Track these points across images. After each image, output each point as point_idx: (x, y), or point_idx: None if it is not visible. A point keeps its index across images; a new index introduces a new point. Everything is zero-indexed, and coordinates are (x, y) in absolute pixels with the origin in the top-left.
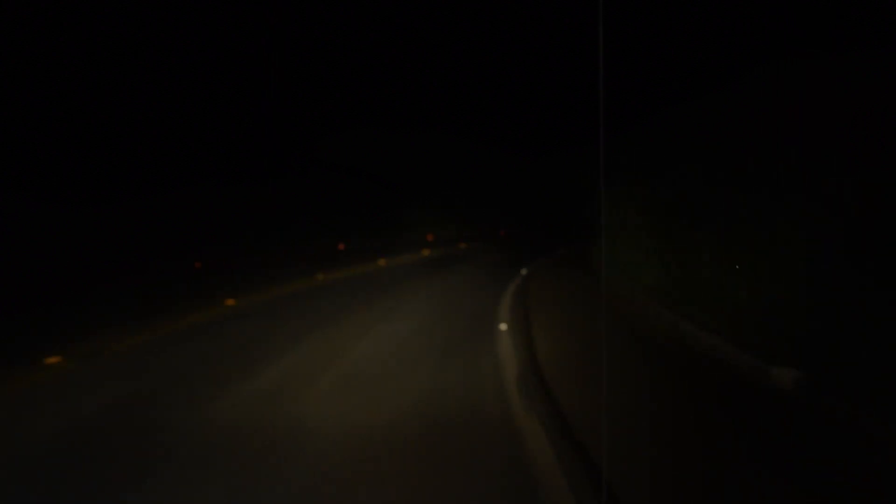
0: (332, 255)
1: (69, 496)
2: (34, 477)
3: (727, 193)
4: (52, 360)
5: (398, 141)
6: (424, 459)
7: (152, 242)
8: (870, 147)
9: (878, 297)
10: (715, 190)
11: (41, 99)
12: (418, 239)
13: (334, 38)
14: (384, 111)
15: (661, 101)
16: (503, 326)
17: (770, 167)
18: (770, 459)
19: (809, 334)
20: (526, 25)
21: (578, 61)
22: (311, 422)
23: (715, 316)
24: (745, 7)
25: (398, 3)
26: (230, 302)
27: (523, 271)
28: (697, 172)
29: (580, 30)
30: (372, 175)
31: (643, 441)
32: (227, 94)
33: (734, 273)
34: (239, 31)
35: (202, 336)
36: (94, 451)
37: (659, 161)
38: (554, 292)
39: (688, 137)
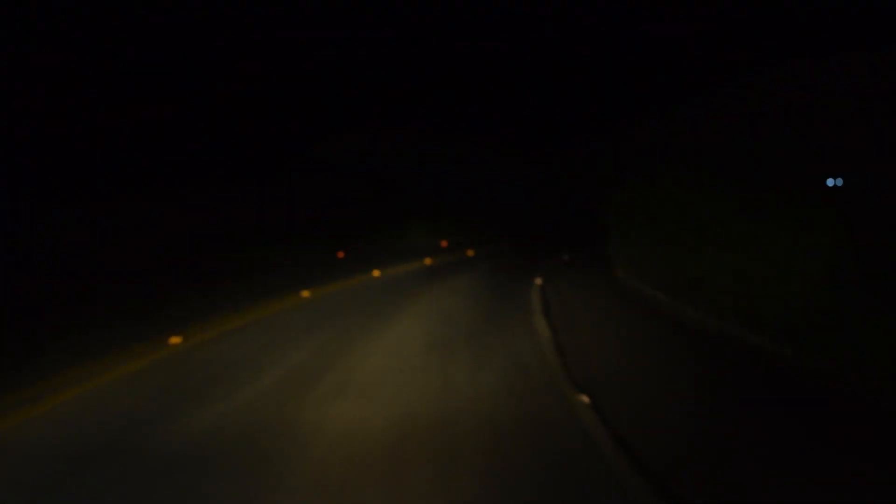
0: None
1: None
2: None
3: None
4: None
5: (401, 142)
6: None
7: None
8: None
9: None
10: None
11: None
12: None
13: (334, 38)
14: (386, 112)
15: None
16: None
17: None
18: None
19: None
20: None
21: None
22: None
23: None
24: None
25: (400, 2)
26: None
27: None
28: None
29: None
30: (375, 177)
31: None
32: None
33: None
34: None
35: None
36: None
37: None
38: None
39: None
